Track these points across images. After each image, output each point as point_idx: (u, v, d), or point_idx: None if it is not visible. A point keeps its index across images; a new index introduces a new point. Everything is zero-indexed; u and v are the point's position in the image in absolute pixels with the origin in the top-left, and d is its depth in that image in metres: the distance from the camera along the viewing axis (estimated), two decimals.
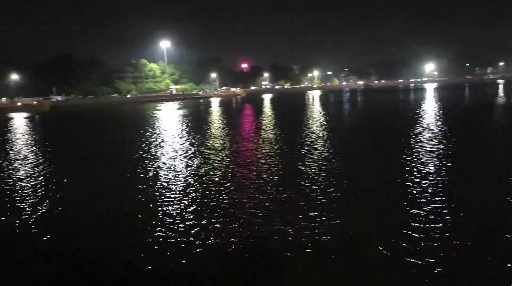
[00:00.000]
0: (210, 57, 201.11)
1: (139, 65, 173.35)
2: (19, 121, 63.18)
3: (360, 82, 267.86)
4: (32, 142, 31.56)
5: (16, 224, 10.92)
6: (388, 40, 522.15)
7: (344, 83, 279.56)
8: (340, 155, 18.62)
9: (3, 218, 11.55)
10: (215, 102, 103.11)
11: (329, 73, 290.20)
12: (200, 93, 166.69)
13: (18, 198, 13.56)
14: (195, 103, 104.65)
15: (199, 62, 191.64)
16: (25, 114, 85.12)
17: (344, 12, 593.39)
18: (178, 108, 77.85)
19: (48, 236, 9.85)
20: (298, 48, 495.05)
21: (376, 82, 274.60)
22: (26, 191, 14.53)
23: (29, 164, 20.44)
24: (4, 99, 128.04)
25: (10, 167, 20.09)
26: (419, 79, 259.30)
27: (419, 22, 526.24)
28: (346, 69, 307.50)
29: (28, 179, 16.75)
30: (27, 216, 11.47)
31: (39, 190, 14.61)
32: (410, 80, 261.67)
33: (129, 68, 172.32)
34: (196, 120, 45.20)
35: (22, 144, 29.90)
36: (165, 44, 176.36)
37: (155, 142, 26.76)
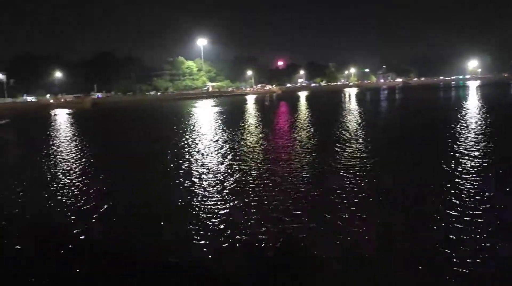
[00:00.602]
0: (246, 55, 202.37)
1: (177, 63, 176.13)
2: (62, 117, 65.75)
3: (399, 80, 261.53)
4: (75, 137, 32.83)
5: (66, 218, 11.48)
6: (429, 36, 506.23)
7: (382, 80, 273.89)
8: (375, 155, 18.35)
9: (57, 210, 12.16)
10: (250, 100, 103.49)
11: (366, 70, 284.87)
12: (236, 90, 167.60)
13: (67, 193, 14.19)
14: (230, 100, 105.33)
15: (235, 60, 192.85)
16: (67, 110, 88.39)
17: (383, 7, 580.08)
18: (213, 105, 78.70)
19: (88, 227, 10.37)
20: (336, 45, 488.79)
21: (415, 79, 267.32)
22: (71, 183, 15.25)
23: (73, 158, 21.35)
24: (48, 96, 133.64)
25: (56, 162, 21.03)
26: (461, 77, 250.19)
27: (464, 17, 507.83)
28: (384, 67, 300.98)
29: (74, 172, 17.52)
30: (75, 210, 12.07)
31: (83, 185, 15.21)
32: (452, 78, 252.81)
33: (167, 66, 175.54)
34: (232, 117, 45.57)
35: (66, 139, 31.17)
36: (202, 42, 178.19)
37: (191, 139, 27.15)
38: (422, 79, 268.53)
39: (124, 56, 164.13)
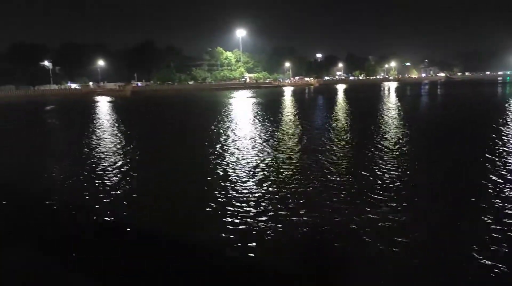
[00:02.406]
0: (284, 46, 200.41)
1: (215, 53, 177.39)
2: (103, 104, 67.86)
3: (441, 74, 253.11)
4: (115, 122, 33.93)
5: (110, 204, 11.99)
6: (476, 29, 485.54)
7: (424, 75, 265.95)
8: (413, 150, 18.02)
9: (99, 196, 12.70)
10: (287, 92, 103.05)
11: (407, 64, 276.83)
12: (273, 82, 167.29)
13: (108, 171, 14.76)
14: (267, 92, 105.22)
15: (273, 51, 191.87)
16: (108, 98, 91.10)
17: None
18: (250, 97, 78.95)
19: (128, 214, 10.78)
20: (376, 37, 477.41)
21: (459, 74, 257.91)
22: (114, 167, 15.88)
23: (112, 142, 22.07)
24: (91, 83, 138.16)
25: (97, 144, 21.79)
26: (508, 72, 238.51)
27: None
28: (426, 60, 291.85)
29: (113, 154, 18.14)
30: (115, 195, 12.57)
31: (123, 170, 15.73)
32: (499, 73, 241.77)
33: (206, 56, 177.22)
34: (268, 109, 45.60)
35: (106, 124, 32.25)
36: (240, 33, 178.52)
37: (226, 129, 27.36)
38: (467, 74, 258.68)
39: (164, 45, 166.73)
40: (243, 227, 9.31)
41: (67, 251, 8.41)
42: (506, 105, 40.45)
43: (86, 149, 20.83)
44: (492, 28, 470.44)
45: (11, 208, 11.68)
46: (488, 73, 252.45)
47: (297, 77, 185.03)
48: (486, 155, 16.10)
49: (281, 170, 14.64)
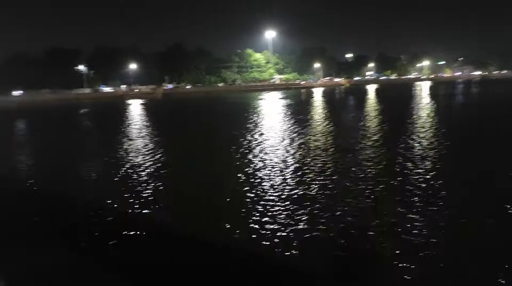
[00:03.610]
0: (314, 46, 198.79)
1: (245, 55, 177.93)
2: (136, 107, 69.05)
3: (477, 73, 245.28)
4: (148, 124, 34.30)
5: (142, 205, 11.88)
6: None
7: (458, 73, 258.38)
8: (449, 154, 17.21)
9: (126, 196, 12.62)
10: (317, 92, 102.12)
11: (441, 63, 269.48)
12: (303, 83, 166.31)
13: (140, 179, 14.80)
14: (297, 93, 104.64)
15: (303, 52, 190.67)
16: (140, 101, 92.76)
17: None
18: (280, 98, 78.54)
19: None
20: (408, 36, 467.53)
21: (496, 73, 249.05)
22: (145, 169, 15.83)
23: (146, 143, 22.22)
24: (123, 86, 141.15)
25: (131, 145, 22.04)
26: None
27: None
28: (461, 59, 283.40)
29: (148, 155, 18.21)
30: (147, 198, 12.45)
31: (154, 172, 15.74)
32: None
33: (235, 57, 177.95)
34: (298, 110, 45.13)
35: (140, 125, 32.62)
36: (270, 34, 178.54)
37: (258, 130, 27.17)
38: (504, 72, 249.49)
39: (194, 48, 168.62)
40: (273, 226, 8.97)
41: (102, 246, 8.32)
42: None
43: (119, 149, 21.04)
44: None
45: (48, 205, 11.80)
46: None
47: (327, 78, 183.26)
48: None
49: (315, 169, 14.23)
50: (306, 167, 15.23)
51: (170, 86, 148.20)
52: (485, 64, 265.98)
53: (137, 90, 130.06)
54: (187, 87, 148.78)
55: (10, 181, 15.70)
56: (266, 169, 15.22)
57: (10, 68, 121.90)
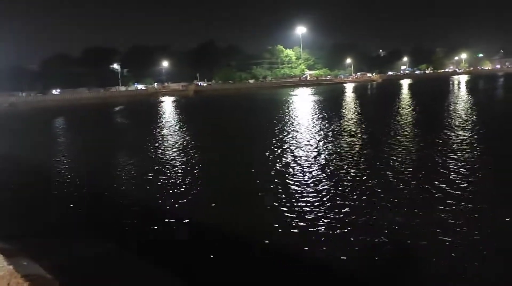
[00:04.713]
0: (346, 42, 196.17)
1: (275, 51, 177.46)
2: (168, 104, 70.39)
3: None
4: (180, 121, 35.10)
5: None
6: None
7: (498, 66, 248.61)
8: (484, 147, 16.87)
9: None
10: (349, 88, 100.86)
11: (480, 55, 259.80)
12: (334, 79, 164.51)
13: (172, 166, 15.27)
14: (328, 89, 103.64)
15: (334, 47, 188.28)
16: (172, 98, 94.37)
17: None
18: (311, 94, 78.08)
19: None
20: (445, 27, 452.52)
21: None
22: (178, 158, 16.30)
23: (178, 139, 22.81)
24: (156, 84, 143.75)
25: (166, 141, 22.67)
26: None
27: None
28: (501, 51, 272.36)
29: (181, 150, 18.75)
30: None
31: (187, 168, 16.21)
32: None
33: (266, 54, 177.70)
34: (329, 106, 44.82)
35: (173, 122, 33.42)
36: (300, 30, 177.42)
37: (289, 126, 27.27)
38: None
39: (225, 45, 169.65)
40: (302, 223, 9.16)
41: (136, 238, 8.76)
42: None
43: (153, 145, 21.73)
44: None
45: (84, 199, 12.43)
46: None
47: (359, 73, 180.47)
48: None
49: (345, 166, 14.32)
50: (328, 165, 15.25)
51: (201, 83, 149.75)
52: None
53: (169, 88, 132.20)
54: (218, 84, 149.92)
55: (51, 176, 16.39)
56: (295, 163, 15.43)
57: (50, 68, 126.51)
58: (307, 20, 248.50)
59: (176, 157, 18.28)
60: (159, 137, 25.88)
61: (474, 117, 27.11)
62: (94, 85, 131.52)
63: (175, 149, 20.58)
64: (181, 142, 22.89)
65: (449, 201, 10.16)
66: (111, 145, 25.03)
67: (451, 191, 10.99)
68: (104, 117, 53.70)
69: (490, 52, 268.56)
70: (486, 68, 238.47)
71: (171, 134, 26.94)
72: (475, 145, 17.30)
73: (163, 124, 34.17)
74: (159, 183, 13.72)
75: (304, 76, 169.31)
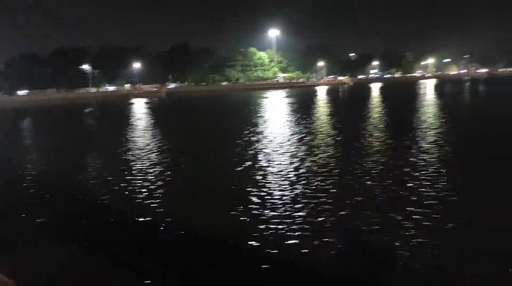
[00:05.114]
0: (318, 45, 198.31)
1: (248, 54, 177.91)
2: (140, 106, 69.32)
3: (483, 70, 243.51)
4: (151, 124, 34.59)
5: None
6: None
7: (464, 71, 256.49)
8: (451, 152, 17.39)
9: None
10: (321, 91, 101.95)
11: (447, 60, 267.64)
12: (307, 81, 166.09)
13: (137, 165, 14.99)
14: (301, 91, 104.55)
15: (307, 50, 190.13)
16: (145, 100, 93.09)
17: None
18: (283, 97, 78.48)
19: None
20: (416, 33, 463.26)
21: (501, 70, 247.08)
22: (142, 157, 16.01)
23: (148, 144, 22.43)
24: (128, 85, 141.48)
25: (132, 143, 22.28)
26: None
27: None
28: (466, 56, 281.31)
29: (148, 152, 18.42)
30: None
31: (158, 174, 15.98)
32: None
33: (239, 56, 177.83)
34: (301, 109, 45.19)
35: (143, 125, 32.93)
36: (274, 33, 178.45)
37: (260, 129, 27.30)
38: (510, 69, 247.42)
39: (198, 47, 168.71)
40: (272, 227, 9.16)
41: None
42: None
43: (124, 147, 21.25)
44: None
45: (56, 201, 12.02)
46: None
47: (331, 76, 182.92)
48: None
49: (315, 167, 14.41)
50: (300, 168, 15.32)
51: (173, 85, 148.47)
52: (492, 61, 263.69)
53: (142, 89, 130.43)
54: (191, 85, 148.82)
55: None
56: (267, 166, 15.40)
57: (15, 68, 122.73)
58: (281, 23, 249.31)
59: (146, 159, 17.95)
60: (129, 139, 25.39)
61: (441, 122, 27.76)
62: (63, 86, 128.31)
63: (146, 150, 20.24)
64: (153, 144, 22.51)
65: (416, 203, 10.35)
66: (80, 147, 24.39)
67: (418, 193, 11.20)
68: (73, 119, 52.43)
69: (457, 57, 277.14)
70: (452, 73, 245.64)
71: (141, 136, 26.52)
72: (443, 148, 17.65)
73: (134, 126, 33.60)
74: (126, 185, 13.44)
75: (276, 79, 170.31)
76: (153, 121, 38.71)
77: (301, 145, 19.81)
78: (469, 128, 24.81)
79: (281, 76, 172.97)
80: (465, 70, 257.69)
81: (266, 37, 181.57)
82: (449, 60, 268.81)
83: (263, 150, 18.99)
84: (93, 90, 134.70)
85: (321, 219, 9.55)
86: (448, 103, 46.18)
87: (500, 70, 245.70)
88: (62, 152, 22.46)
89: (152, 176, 14.68)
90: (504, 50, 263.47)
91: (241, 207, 10.65)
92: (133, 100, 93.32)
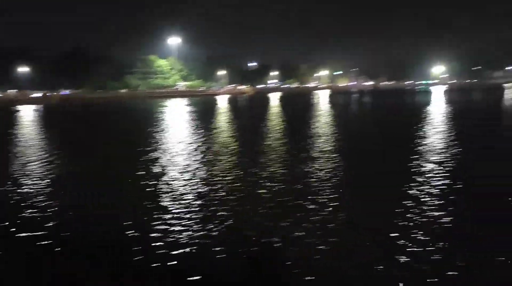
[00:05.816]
0: (219, 54, 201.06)
1: (149, 61, 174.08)
2: (27, 113, 64.07)
3: (369, 83, 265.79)
4: (39, 133, 32.30)
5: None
6: (400, 39, 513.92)
7: (354, 83, 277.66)
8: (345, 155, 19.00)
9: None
10: (222, 100, 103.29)
11: (339, 73, 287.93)
12: (207, 90, 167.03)
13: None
14: (201, 100, 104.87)
15: (208, 60, 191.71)
16: (34, 107, 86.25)
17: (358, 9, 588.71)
18: (184, 105, 78.15)
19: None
20: (311, 47, 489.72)
21: (383, 83, 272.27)
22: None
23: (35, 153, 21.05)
24: (13, 91, 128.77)
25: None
26: (424, 82, 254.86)
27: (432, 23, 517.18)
28: (354, 69, 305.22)
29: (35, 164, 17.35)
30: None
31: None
32: (418, 82, 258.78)
33: (139, 63, 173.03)
34: (203, 118, 45.56)
35: (28, 135, 30.61)
36: (175, 41, 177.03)
37: (157, 138, 27.16)
38: (391, 83, 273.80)
39: (95, 53, 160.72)
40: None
41: None
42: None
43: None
44: (418, 41, 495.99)
45: None
46: (411, 82, 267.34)
47: (232, 86, 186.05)
48: None
49: (216, 173, 14.91)
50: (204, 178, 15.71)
51: (67, 91, 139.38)
52: (377, 75, 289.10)
53: (30, 96, 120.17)
54: (86, 92, 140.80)
55: None
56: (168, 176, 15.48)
57: None
58: (183, 31, 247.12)
59: (33, 170, 16.96)
60: (11, 149, 23.69)
61: (332, 130, 30.04)
62: None
63: (32, 163, 18.98)
64: (38, 155, 21.17)
65: (307, 208, 11.19)
66: None
67: (313, 199, 11.94)
68: None
69: (347, 70, 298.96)
70: (342, 85, 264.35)
71: (25, 146, 24.85)
72: (334, 158, 18.59)
73: (15, 136, 31.13)
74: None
75: (177, 87, 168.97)
76: (39, 130, 36.22)
77: (197, 154, 20.13)
78: (358, 140, 27.09)
79: (181, 85, 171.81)
80: (355, 82, 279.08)
81: (168, 45, 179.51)
82: (341, 72, 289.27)
83: (160, 159, 18.97)
84: None
85: (209, 227, 9.90)
86: (340, 113, 49.70)
87: (381, 83, 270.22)
88: None
89: (34, 187, 13.93)
90: (387, 65, 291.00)
91: (130, 221, 10.67)
92: (21, 107, 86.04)
